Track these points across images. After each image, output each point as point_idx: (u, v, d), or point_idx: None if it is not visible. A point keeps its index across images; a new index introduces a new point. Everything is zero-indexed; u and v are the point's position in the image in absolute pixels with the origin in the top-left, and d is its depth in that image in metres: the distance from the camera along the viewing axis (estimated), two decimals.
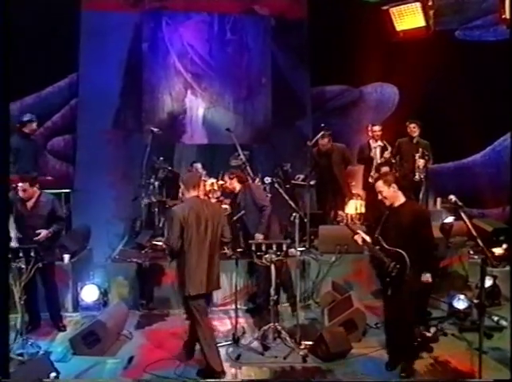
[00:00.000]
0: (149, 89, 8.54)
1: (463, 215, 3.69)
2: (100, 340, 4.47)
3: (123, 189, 7.92)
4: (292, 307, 5.39)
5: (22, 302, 4.40)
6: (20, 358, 4.19)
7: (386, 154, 7.13)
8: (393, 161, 6.97)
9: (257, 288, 5.41)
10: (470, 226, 3.61)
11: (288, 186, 6.69)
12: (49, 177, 6.66)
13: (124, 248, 6.57)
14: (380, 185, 4.00)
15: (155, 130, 7.04)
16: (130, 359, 4.42)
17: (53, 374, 3.38)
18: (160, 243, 5.88)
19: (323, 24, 8.65)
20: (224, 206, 6.33)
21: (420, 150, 6.87)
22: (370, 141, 7.42)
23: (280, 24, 8.95)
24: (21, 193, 4.82)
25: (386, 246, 3.95)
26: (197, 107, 8.71)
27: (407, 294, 3.92)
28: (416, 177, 6.79)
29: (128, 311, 5.20)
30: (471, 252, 6.28)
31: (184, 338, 4.51)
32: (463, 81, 8.15)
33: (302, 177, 7.00)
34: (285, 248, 4.55)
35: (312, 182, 6.67)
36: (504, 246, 6.05)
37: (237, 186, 5.49)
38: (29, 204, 4.90)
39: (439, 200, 8.44)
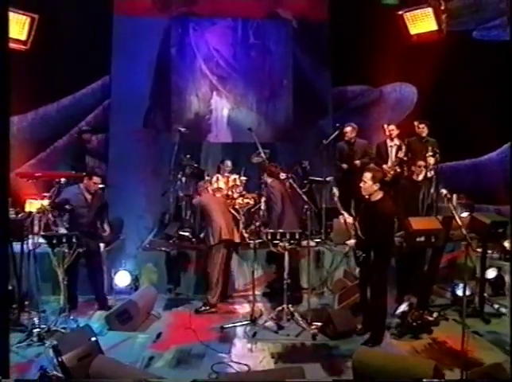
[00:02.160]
0: (177, 91, 9.18)
1: (451, 207, 4.18)
2: (132, 317, 5.13)
3: (153, 185, 8.49)
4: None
5: (65, 283, 5.09)
6: (63, 331, 4.90)
7: (400, 154, 7.36)
8: (405, 159, 7.34)
9: (277, 275, 5.96)
10: (456, 217, 4.10)
11: (305, 182, 7.19)
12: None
13: (153, 239, 7.24)
14: (367, 176, 4.59)
15: (182, 129, 7.68)
16: (159, 335, 5.07)
17: (94, 338, 4.03)
18: (186, 234, 6.51)
19: (344, 25, 9.00)
20: (246, 200, 6.94)
21: (430, 148, 7.18)
22: (387, 140, 7.82)
23: (302, 26, 9.40)
24: (93, 186, 5.63)
25: (360, 234, 4.62)
26: (222, 107, 9.31)
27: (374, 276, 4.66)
28: (428, 174, 7.15)
29: (157, 294, 5.86)
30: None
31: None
32: (481, 80, 8.43)
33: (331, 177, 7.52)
34: (297, 237, 5.11)
35: (328, 178, 7.17)
36: None
37: (268, 180, 6.10)
38: (89, 196, 5.65)
39: (454, 196, 8.82)
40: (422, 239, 4.97)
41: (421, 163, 5.93)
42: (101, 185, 5.90)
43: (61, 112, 8.83)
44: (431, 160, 7.09)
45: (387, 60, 8.86)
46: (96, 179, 5.66)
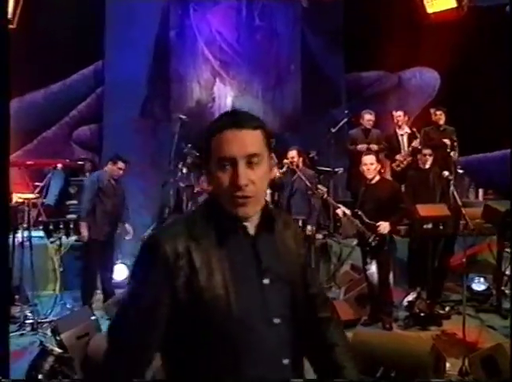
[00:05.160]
0: (177, 77, 9.76)
1: (452, 189, 4.78)
2: None
3: (151, 180, 8.94)
4: None
5: (61, 270, 5.75)
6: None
7: (415, 143, 7.70)
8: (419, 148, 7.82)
9: None
10: (458, 200, 4.69)
11: (312, 172, 7.76)
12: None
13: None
14: (372, 159, 5.31)
15: (183, 117, 8.29)
16: None
17: (93, 317, 4.66)
18: None
19: (358, 5, 9.48)
20: None
21: (449, 140, 7.62)
22: (396, 128, 8.15)
23: (313, 5, 9.84)
24: (117, 172, 6.22)
25: (366, 219, 5.19)
26: (226, 95, 9.93)
27: (385, 260, 5.38)
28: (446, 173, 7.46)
29: None
30: None
31: None
32: None
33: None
34: (300, 224, 5.73)
35: (337, 169, 7.77)
36: None
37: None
38: (114, 183, 6.28)
39: (481, 191, 9.29)
40: (430, 226, 5.56)
41: (427, 151, 6.46)
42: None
43: (50, 100, 9.30)
44: (453, 154, 7.58)
45: (405, 43, 9.25)
46: (121, 164, 6.17)
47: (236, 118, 1.50)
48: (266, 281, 1.48)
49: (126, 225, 6.34)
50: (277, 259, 1.53)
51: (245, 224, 1.50)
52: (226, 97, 9.92)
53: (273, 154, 1.58)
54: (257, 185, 1.46)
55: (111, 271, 6.42)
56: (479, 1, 8.96)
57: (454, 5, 8.13)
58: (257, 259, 1.49)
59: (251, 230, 1.51)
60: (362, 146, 7.68)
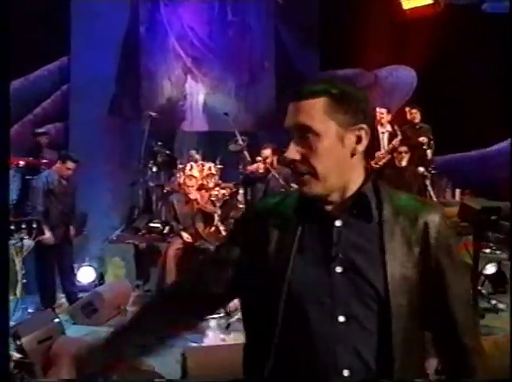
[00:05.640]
0: (147, 74, 9.69)
1: (427, 184, 4.78)
2: (97, 310, 5.64)
3: (120, 179, 8.81)
4: None
5: (23, 272, 5.60)
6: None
7: (395, 142, 7.68)
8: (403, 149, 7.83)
9: None
10: (432, 195, 4.70)
11: (287, 171, 7.75)
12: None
13: (121, 233, 7.77)
14: None
15: (153, 114, 8.21)
16: None
17: (57, 320, 4.53)
18: (157, 226, 7.07)
19: (334, 2, 9.56)
20: (223, 191, 7.50)
21: (425, 139, 7.67)
22: (378, 126, 8.23)
23: (288, 1, 9.83)
24: (66, 172, 6.05)
25: None
26: (197, 92, 9.89)
27: None
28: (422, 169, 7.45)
29: (131, 288, 6.40)
30: None
31: None
32: (491, 60, 8.86)
33: None
34: None
35: None
36: None
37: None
38: (65, 182, 6.14)
39: (458, 191, 9.38)
40: None
41: (403, 149, 6.48)
42: None
43: (11, 96, 9.19)
44: (428, 152, 7.64)
45: (382, 40, 9.36)
46: (70, 164, 6.04)
47: (299, 88, 1.42)
48: (339, 269, 1.35)
49: (71, 228, 6.21)
50: (362, 250, 1.35)
51: (327, 207, 1.39)
52: (198, 94, 9.89)
53: (363, 126, 1.37)
54: (313, 162, 1.35)
55: (72, 274, 6.29)
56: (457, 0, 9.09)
57: (430, 1, 8.21)
58: (331, 244, 1.37)
59: (335, 212, 1.38)
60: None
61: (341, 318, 1.33)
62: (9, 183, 5.22)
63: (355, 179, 1.39)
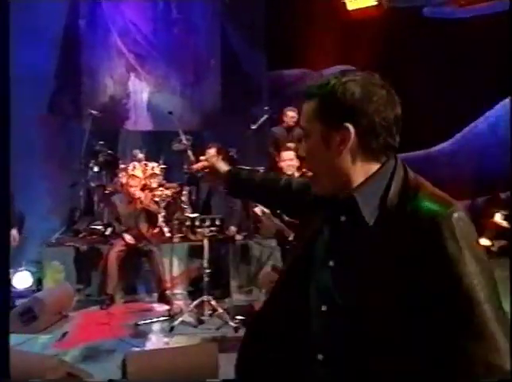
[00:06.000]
0: (88, 71, 9.53)
1: None
2: (36, 317, 5.48)
3: (60, 181, 8.55)
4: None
5: None
6: None
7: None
8: None
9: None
10: None
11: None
12: None
13: (61, 236, 7.62)
14: (292, 155, 5.37)
15: (95, 112, 8.10)
16: (64, 334, 5.48)
17: None
18: (99, 228, 6.97)
19: (281, 1, 9.68)
20: (167, 191, 7.49)
21: None
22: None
23: (235, 0, 9.90)
24: None
25: (286, 217, 5.32)
26: (141, 91, 9.80)
27: None
28: None
29: (73, 292, 6.29)
30: None
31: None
32: (431, 62, 9.26)
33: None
34: (218, 223, 5.72)
35: (258, 168, 7.80)
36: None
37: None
38: None
39: None
40: None
41: None
42: None
43: None
44: None
45: (329, 41, 9.59)
46: None
47: (306, 88, 1.44)
48: (331, 263, 1.40)
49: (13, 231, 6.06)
50: (353, 248, 1.36)
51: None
52: (141, 93, 9.81)
53: (347, 125, 1.35)
54: (308, 161, 1.43)
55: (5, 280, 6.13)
56: (397, 3, 9.39)
57: (373, 2, 8.44)
58: (331, 242, 1.42)
59: (369, 213, 1.36)
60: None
61: (323, 308, 1.39)
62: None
63: (356, 179, 1.38)
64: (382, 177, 1.38)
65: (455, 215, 1.28)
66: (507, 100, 9.76)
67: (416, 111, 8.71)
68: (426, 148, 10.11)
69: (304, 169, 8.52)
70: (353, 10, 8.61)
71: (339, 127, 1.36)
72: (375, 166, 1.39)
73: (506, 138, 9.72)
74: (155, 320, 5.75)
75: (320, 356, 1.40)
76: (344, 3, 8.62)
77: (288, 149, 5.77)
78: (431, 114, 9.08)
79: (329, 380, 1.39)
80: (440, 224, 1.26)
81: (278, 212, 5.40)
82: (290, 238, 5.35)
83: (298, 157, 5.60)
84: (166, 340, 5.35)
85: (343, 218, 1.40)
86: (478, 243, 1.30)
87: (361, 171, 1.38)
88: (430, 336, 1.26)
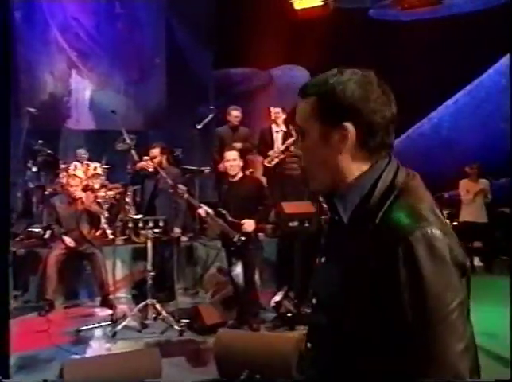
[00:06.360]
0: (25, 67, 9.24)
1: None
2: None
3: None
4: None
5: None
6: None
7: (290, 142, 7.76)
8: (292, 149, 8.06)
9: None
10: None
11: (177, 171, 7.72)
12: None
13: None
14: (234, 155, 5.39)
15: (32, 110, 7.88)
16: None
17: None
18: (38, 230, 6.77)
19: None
20: (110, 192, 7.36)
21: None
22: (273, 125, 8.39)
23: None
24: None
25: (230, 218, 5.30)
26: (83, 88, 9.62)
27: (252, 259, 5.46)
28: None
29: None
30: None
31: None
32: (375, 63, 9.51)
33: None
34: (161, 224, 5.66)
35: (203, 168, 7.79)
36: None
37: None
38: None
39: None
40: (295, 223, 5.74)
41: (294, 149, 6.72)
42: None
43: None
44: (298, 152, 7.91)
45: (276, 40, 9.65)
46: None
47: (302, 85, 1.42)
48: (323, 259, 1.48)
49: None
50: (338, 245, 1.41)
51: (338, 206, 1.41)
52: (84, 90, 9.62)
53: (347, 124, 1.34)
54: (305, 159, 1.44)
55: None
56: (343, 3, 9.55)
57: (319, 2, 8.55)
58: (325, 240, 1.50)
59: (344, 212, 1.39)
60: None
61: (314, 301, 1.46)
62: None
63: (351, 176, 1.39)
64: (370, 177, 1.39)
65: (422, 231, 1.25)
66: (450, 102, 10.09)
67: None
68: None
69: (251, 170, 8.68)
70: (300, 10, 8.70)
71: (338, 126, 1.37)
72: (368, 165, 1.40)
73: (448, 139, 10.12)
74: (97, 325, 5.62)
75: (308, 345, 1.48)
76: (291, 3, 8.68)
77: (232, 149, 5.70)
78: None
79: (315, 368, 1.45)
80: (402, 238, 1.25)
81: (223, 212, 5.40)
82: (235, 239, 5.35)
83: (242, 156, 5.58)
84: (108, 346, 5.24)
85: (336, 217, 1.43)
86: (442, 260, 1.25)
87: (357, 169, 1.39)
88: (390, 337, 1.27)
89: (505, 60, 9.37)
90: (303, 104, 1.40)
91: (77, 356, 4.88)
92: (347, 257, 1.34)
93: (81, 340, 5.39)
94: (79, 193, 6.62)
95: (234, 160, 5.42)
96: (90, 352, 5.06)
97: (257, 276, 5.67)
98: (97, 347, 5.24)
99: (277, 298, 5.86)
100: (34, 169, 7.52)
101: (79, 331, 5.54)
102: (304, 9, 8.68)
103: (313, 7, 8.62)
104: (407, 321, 1.23)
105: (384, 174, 1.38)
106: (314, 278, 1.50)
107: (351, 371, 1.33)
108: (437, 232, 1.26)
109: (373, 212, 1.33)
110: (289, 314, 5.66)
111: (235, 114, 8.07)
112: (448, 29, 9.08)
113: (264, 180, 7.33)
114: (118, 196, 7.50)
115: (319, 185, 1.44)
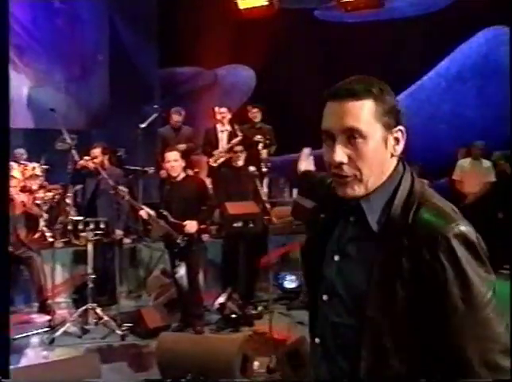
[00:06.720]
0: None
1: (258, 184, 5.05)
2: None
3: None
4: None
5: None
6: None
7: (234, 141, 7.74)
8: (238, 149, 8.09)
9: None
10: (262, 194, 4.98)
11: (119, 172, 7.60)
12: None
13: None
14: (176, 156, 5.37)
15: None
16: None
17: None
18: None
19: None
20: (49, 193, 7.18)
21: (262, 137, 7.95)
22: (218, 125, 8.32)
23: None
24: None
25: (172, 219, 5.29)
26: (20, 85, 9.28)
27: (195, 261, 5.49)
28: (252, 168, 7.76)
29: None
30: None
31: None
32: (323, 63, 9.54)
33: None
34: (102, 226, 5.56)
35: (147, 169, 7.71)
36: None
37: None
38: None
39: (295, 190, 9.92)
40: (240, 224, 5.75)
41: (238, 148, 6.73)
42: None
43: None
44: (263, 152, 7.95)
45: (222, 39, 9.64)
46: None
47: (338, 88, 1.41)
48: (336, 258, 1.49)
49: None
50: (357, 246, 1.45)
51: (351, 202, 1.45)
52: (21, 87, 9.30)
53: (401, 128, 1.43)
54: (359, 164, 1.39)
55: None
56: (288, 4, 9.64)
57: (264, 2, 8.60)
58: (339, 238, 1.50)
59: (371, 215, 1.42)
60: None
61: (324, 297, 1.51)
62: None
63: (388, 179, 1.44)
64: (391, 183, 1.44)
65: (456, 230, 1.33)
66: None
67: (315, 112, 9.15)
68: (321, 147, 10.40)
69: (196, 170, 8.63)
70: (245, 9, 8.73)
71: (395, 129, 1.43)
72: (393, 169, 1.46)
73: None
74: (34, 332, 5.47)
75: (317, 340, 1.55)
76: (236, 2, 8.70)
77: (172, 149, 5.64)
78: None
79: (324, 361, 1.53)
80: (441, 236, 1.32)
81: (164, 213, 5.36)
82: (178, 240, 5.33)
83: (185, 157, 5.56)
84: (45, 353, 5.10)
85: (351, 218, 1.47)
86: (479, 257, 1.34)
87: (392, 172, 1.46)
88: (427, 335, 1.34)
89: (444, 63, 9.69)
90: (358, 106, 1.39)
91: (11, 367, 4.74)
92: (375, 258, 1.38)
93: (16, 349, 5.20)
94: (16, 196, 6.43)
95: (176, 161, 5.38)
96: (25, 362, 4.90)
97: (201, 277, 5.68)
98: (33, 355, 5.09)
99: (221, 299, 5.85)
100: None
101: (14, 339, 5.38)
102: (248, 8, 8.71)
103: (258, 7, 8.66)
104: (456, 312, 1.31)
105: (403, 180, 1.45)
106: (326, 275, 1.51)
107: (383, 368, 1.38)
108: (470, 228, 1.35)
109: (402, 214, 1.38)
110: (234, 316, 5.69)
111: (176, 119, 8.06)
112: (391, 32, 9.30)
113: (208, 180, 7.34)
114: (57, 197, 7.31)
115: (369, 189, 1.43)
